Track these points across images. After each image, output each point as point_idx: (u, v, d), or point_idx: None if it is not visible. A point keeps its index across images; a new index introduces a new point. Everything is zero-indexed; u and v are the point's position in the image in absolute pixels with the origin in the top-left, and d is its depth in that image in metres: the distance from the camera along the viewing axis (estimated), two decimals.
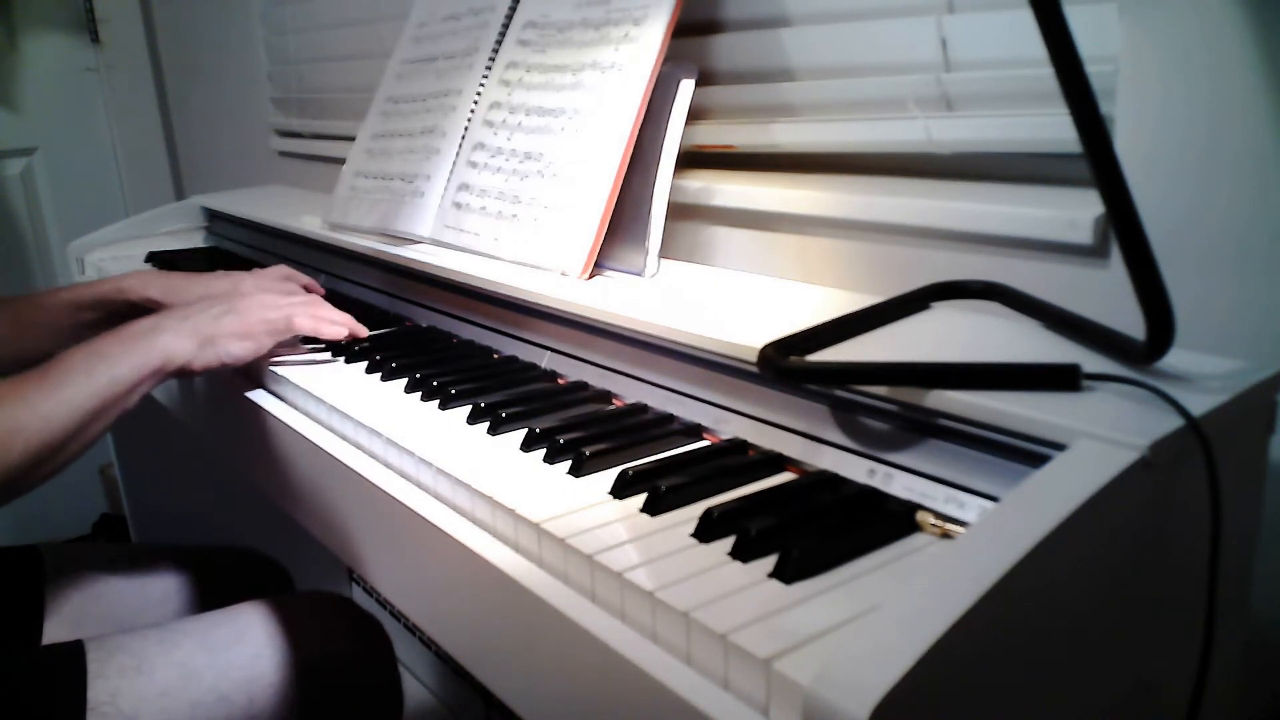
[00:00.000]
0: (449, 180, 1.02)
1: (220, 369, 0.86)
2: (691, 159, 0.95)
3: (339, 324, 0.91)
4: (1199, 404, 0.49)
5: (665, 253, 0.89)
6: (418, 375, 0.82)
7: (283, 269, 1.09)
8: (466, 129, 1.03)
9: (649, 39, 0.87)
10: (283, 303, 0.90)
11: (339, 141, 1.53)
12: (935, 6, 0.74)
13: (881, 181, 0.81)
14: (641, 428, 0.69)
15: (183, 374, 0.84)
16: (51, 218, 2.23)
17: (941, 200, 0.74)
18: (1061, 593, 0.43)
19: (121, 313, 1.08)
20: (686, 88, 0.88)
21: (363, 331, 0.93)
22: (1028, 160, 0.72)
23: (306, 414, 0.83)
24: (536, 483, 0.62)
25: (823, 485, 0.58)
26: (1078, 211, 0.66)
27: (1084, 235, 0.66)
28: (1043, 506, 0.42)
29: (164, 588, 1.05)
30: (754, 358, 0.61)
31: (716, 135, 0.93)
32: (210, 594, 1.06)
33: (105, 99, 2.27)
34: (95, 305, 1.07)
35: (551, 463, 0.66)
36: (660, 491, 0.58)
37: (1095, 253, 0.67)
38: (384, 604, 1.67)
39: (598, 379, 0.79)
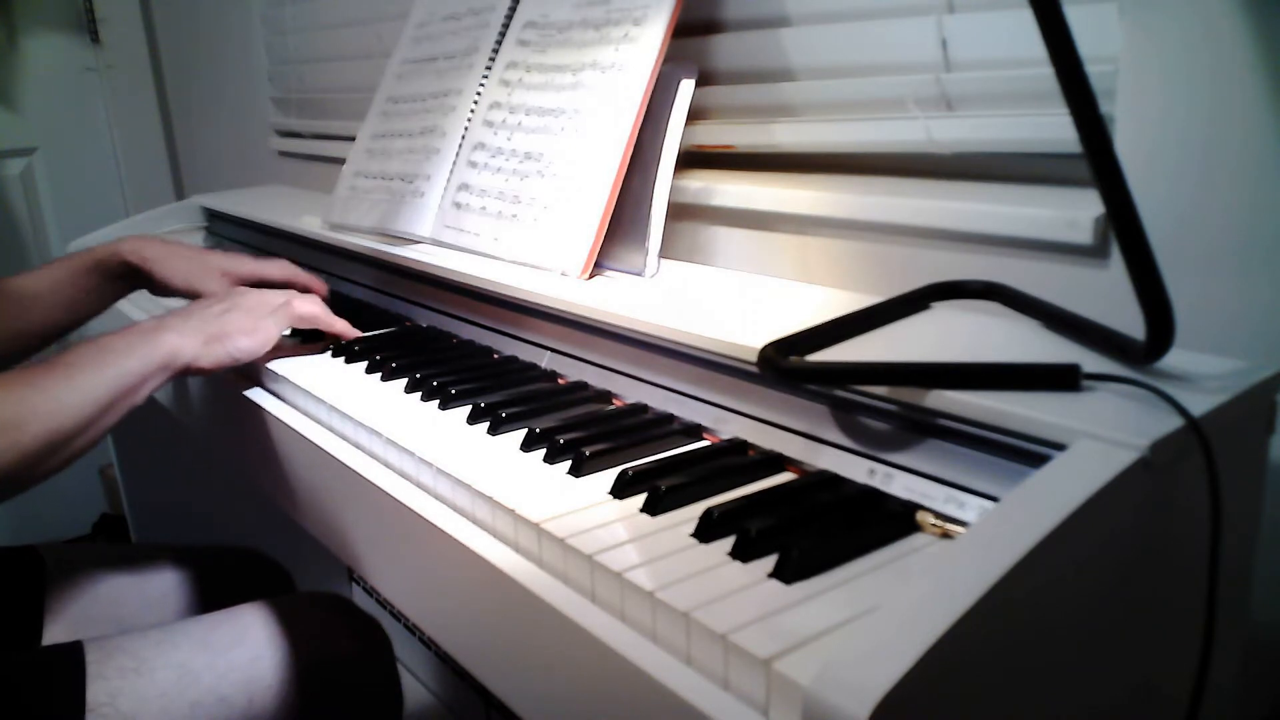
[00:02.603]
0: (449, 180, 1.02)
1: (231, 365, 0.86)
2: (691, 159, 0.95)
3: (342, 333, 0.94)
4: (1199, 404, 0.49)
5: (665, 253, 0.89)
6: (418, 375, 0.82)
7: (284, 262, 1.09)
8: (466, 129, 1.03)
9: (649, 39, 0.87)
10: (280, 297, 0.91)
11: (339, 141, 1.53)
12: (935, 6, 0.74)
13: (881, 181, 0.81)
14: (641, 428, 0.69)
15: (190, 372, 0.84)
16: (51, 218, 2.23)
17: (941, 200, 0.74)
18: (1061, 593, 0.43)
19: (119, 275, 1.07)
20: (686, 88, 0.88)
21: (353, 334, 0.95)
22: (1028, 160, 0.72)
23: (307, 414, 0.83)
24: (536, 483, 0.62)
25: (823, 485, 0.58)
26: (1078, 211, 0.66)
27: (1084, 235, 0.66)
28: (1043, 506, 0.42)
29: (164, 588, 1.05)
30: (754, 358, 0.61)
31: (716, 135, 0.93)
32: (210, 594, 1.06)
33: (105, 99, 2.27)
34: (94, 269, 1.07)
35: (551, 463, 0.66)
36: (660, 491, 0.58)
37: (1095, 253, 0.67)
38: (384, 604, 1.67)
39: (598, 379, 0.79)
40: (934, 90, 0.75)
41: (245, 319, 0.86)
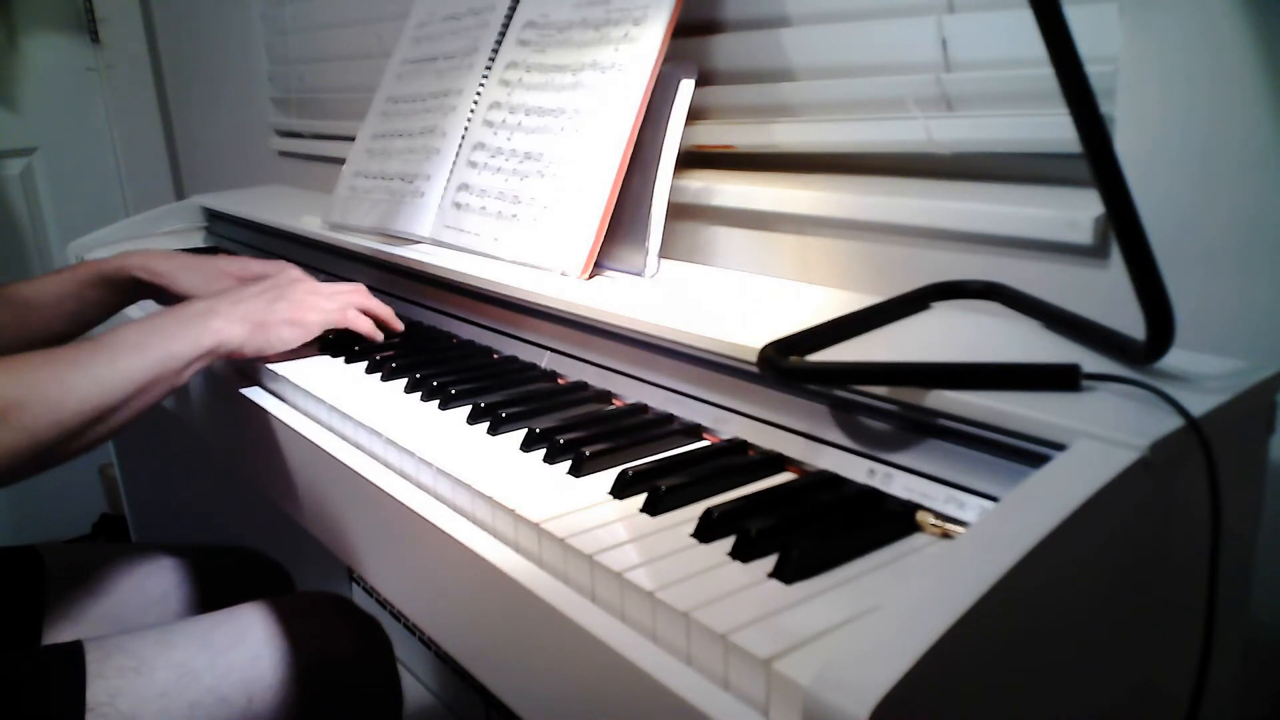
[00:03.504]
0: (449, 180, 1.02)
1: (271, 352, 0.88)
2: (691, 159, 0.95)
3: (388, 322, 0.95)
4: (1199, 404, 0.49)
5: (665, 253, 0.89)
6: (418, 375, 0.82)
7: (283, 264, 1.09)
8: (466, 129, 1.03)
9: (649, 39, 0.87)
10: (337, 291, 0.92)
11: (339, 141, 1.53)
12: (935, 6, 0.75)
13: (881, 181, 0.81)
14: (641, 428, 0.69)
15: (233, 357, 0.86)
16: (51, 218, 2.23)
17: (941, 200, 0.74)
18: (1061, 593, 0.43)
19: (127, 289, 1.08)
20: (686, 88, 0.88)
21: (399, 325, 0.96)
22: (1028, 160, 0.72)
23: (306, 414, 0.83)
24: (536, 483, 0.62)
25: (823, 485, 0.58)
26: (1078, 211, 0.66)
27: (1084, 235, 0.66)
28: (1043, 506, 0.42)
29: (164, 588, 1.05)
30: (754, 358, 0.61)
31: (716, 135, 0.93)
32: (210, 594, 1.06)
33: (105, 99, 2.27)
34: (101, 282, 1.08)
35: (551, 463, 0.66)
36: (660, 491, 0.58)
37: (1095, 253, 0.67)
38: (384, 604, 1.67)
39: (598, 379, 0.79)
40: (934, 90, 0.75)
41: (293, 310, 0.88)
